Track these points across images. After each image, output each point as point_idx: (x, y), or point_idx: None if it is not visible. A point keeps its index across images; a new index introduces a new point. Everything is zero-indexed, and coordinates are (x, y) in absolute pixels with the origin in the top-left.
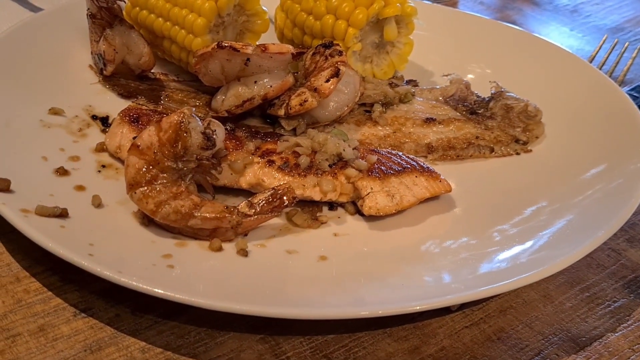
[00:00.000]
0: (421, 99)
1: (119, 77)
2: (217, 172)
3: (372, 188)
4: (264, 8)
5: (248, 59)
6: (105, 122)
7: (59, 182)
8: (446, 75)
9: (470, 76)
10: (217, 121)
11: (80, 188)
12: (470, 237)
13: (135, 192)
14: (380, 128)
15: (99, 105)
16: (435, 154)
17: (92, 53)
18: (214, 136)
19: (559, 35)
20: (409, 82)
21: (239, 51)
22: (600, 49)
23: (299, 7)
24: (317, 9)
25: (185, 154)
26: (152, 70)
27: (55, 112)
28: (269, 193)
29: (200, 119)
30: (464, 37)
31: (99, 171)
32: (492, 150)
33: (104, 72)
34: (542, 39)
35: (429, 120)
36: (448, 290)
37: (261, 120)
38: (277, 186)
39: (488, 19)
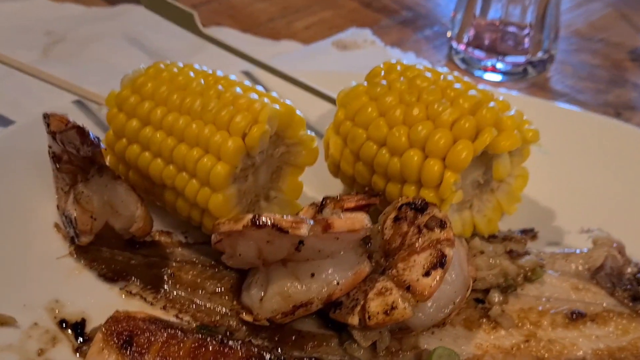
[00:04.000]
0: (555, 274)
1: (100, 244)
2: None
3: None
4: (310, 132)
5: (301, 242)
6: (80, 331)
7: None
8: (585, 232)
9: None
10: None
11: None
12: None
13: None
14: (503, 333)
15: (70, 299)
16: None
17: (58, 207)
18: None
19: None
20: (524, 232)
21: (287, 232)
22: None
23: (364, 133)
24: (395, 139)
25: None
26: None
27: (1, 321)
28: None
29: (229, 352)
30: (590, 154)
31: None
32: None
33: (77, 241)
34: None
35: (576, 316)
36: None
37: (319, 321)
38: None
39: (619, 123)
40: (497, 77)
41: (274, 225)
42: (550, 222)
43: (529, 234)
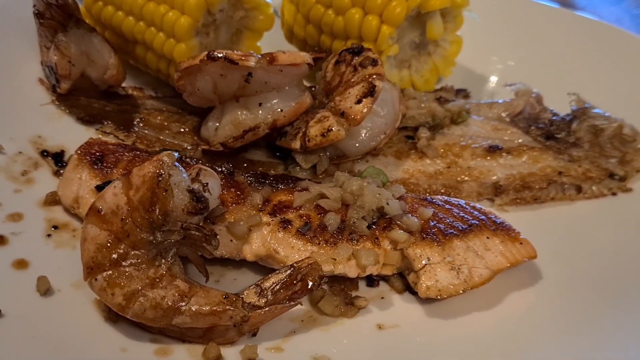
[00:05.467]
0: (479, 119)
1: (78, 94)
2: (212, 247)
3: (429, 258)
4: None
5: (250, 74)
6: (59, 159)
7: None
8: (509, 85)
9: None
10: (209, 170)
11: (21, 264)
12: (572, 330)
13: (95, 279)
14: (428, 161)
15: (52, 136)
16: (505, 197)
17: (41, 63)
18: (206, 194)
19: (631, 21)
20: (457, 92)
21: (237, 64)
22: None
23: None
24: (339, 0)
25: (166, 222)
26: (122, 85)
27: None
28: (285, 274)
29: (185, 166)
30: (522, 31)
31: (49, 235)
32: (579, 189)
33: (58, 89)
34: (627, 32)
35: (493, 149)
36: None
37: (267, 152)
38: (296, 262)
39: (554, 8)
40: None
41: (226, 58)
42: (482, 85)
43: (462, 93)
